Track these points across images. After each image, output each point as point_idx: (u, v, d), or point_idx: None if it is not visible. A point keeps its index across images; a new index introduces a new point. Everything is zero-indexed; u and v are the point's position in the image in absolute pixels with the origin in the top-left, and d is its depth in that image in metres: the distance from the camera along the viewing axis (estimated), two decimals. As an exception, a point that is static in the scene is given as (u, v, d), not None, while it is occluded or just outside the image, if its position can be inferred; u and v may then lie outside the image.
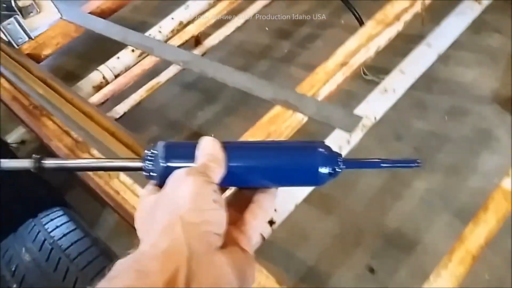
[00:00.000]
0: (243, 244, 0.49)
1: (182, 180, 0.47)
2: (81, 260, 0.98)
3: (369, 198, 1.74)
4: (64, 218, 1.10)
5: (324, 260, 1.63)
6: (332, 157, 0.53)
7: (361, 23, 1.86)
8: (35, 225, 1.10)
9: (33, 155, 0.52)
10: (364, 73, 2.00)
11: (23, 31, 1.68)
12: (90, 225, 1.84)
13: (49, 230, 1.06)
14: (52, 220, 1.10)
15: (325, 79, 1.34)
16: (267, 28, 2.45)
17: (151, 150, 0.52)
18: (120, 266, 0.42)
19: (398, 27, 1.45)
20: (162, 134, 2.08)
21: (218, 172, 0.50)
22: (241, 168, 0.52)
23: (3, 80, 1.60)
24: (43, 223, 1.09)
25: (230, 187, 0.59)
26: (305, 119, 1.29)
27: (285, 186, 0.55)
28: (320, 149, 0.53)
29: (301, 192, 1.28)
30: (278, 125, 1.28)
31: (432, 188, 1.73)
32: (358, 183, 1.78)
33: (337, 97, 1.41)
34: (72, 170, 0.55)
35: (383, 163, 0.56)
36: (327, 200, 1.74)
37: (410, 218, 1.68)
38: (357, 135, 1.36)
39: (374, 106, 1.46)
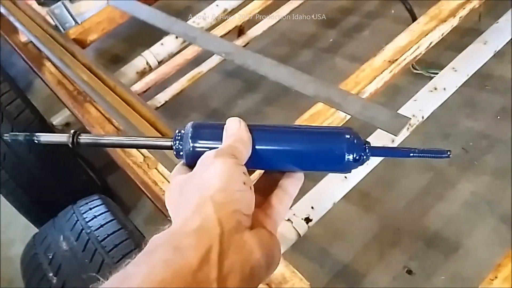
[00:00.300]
0: (269, 227, 0.50)
1: (211, 162, 0.48)
2: (116, 252, 0.99)
3: (410, 198, 1.69)
4: (102, 208, 1.11)
5: (360, 258, 1.60)
6: (359, 144, 0.53)
7: (413, 15, 1.78)
8: (74, 212, 1.12)
9: (73, 131, 0.55)
10: (413, 67, 1.92)
11: (70, 16, 1.70)
12: (129, 209, 1.90)
13: (87, 220, 1.07)
14: (90, 209, 1.11)
15: (372, 76, 1.29)
16: (312, 17, 2.39)
17: (181, 130, 0.53)
18: (157, 240, 0.43)
19: (452, 23, 1.37)
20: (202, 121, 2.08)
21: (244, 153, 0.51)
22: (266, 151, 0.53)
23: (49, 64, 1.63)
24: (82, 211, 1.11)
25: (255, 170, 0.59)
26: (348, 116, 1.25)
27: (310, 170, 0.55)
28: (348, 136, 0.53)
29: (340, 190, 1.25)
30: (319, 123, 1.25)
31: (478, 191, 1.65)
32: (399, 182, 1.73)
33: (381, 91, 1.35)
34: (106, 146, 0.60)
35: (412, 152, 0.54)
36: (366, 198, 1.69)
37: (453, 221, 1.61)
38: (403, 134, 1.32)
39: (422, 105, 1.40)
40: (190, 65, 1.72)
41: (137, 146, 0.58)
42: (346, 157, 0.52)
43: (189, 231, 0.43)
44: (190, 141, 0.52)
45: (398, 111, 1.27)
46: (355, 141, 0.53)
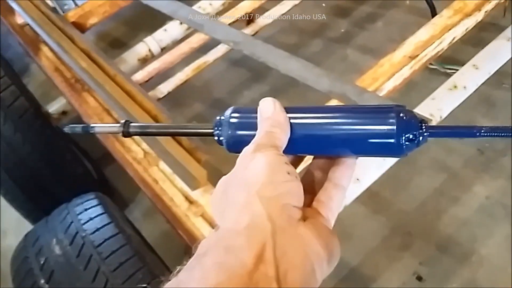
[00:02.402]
0: (323, 221, 0.47)
1: (250, 158, 0.45)
2: (113, 260, 0.91)
3: (422, 199, 1.61)
4: (98, 209, 1.04)
5: (368, 262, 1.53)
6: (413, 123, 0.46)
7: (431, 6, 1.68)
8: (68, 213, 1.04)
9: (121, 121, 0.54)
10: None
11: (70, -3, 1.61)
12: (126, 203, 1.82)
13: (82, 222, 1.00)
14: (86, 210, 1.03)
15: (391, 73, 1.20)
16: (324, 4, 2.29)
17: (221, 116, 0.51)
18: (206, 243, 0.41)
19: (477, 17, 1.28)
20: (206, 112, 2.00)
21: (283, 137, 0.47)
22: (306, 134, 0.48)
23: (46, 48, 1.54)
24: (77, 212, 1.03)
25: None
26: (364, 116, 1.16)
27: (357, 154, 0.49)
28: (402, 114, 0.46)
29: (351, 193, 1.17)
30: (334, 121, 1.16)
31: (494, 194, 1.58)
32: (411, 182, 1.65)
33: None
34: (153, 135, 0.62)
35: (478, 132, 0.46)
36: (375, 198, 1.62)
37: (467, 225, 1.54)
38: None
39: (441, 103, 1.32)
40: (195, 54, 1.63)
41: (181, 134, 0.61)
42: (398, 138, 0.45)
43: (239, 230, 0.40)
44: (228, 127, 0.50)
45: (415, 110, 1.20)
46: (409, 119, 0.46)
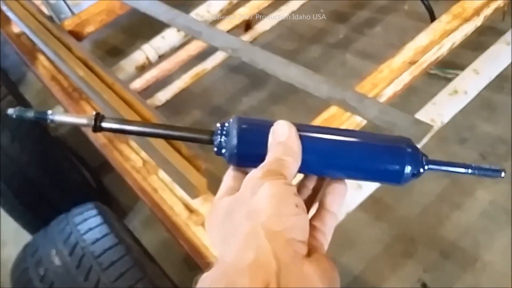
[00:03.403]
0: (321, 251, 0.46)
1: (258, 184, 0.43)
2: (113, 270, 0.90)
3: (424, 205, 1.60)
4: (98, 220, 1.02)
5: (371, 269, 1.51)
6: (417, 156, 0.49)
7: (430, 11, 1.68)
8: (67, 223, 1.03)
9: (94, 112, 0.49)
10: (427, 66, 1.83)
11: (66, 6, 1.60)
12: (125, 212, 1.81)
13: (82, 232, 0.98)
14: (85, 220, 1.02)
15: (391, 78, 1.19)
16: (322, 10, 2.29)
17: (225, 124, 0.48)
18: (209, 278, 0.40)
19: (476, 22, 1.28)
20: (205, 120, 1.99)
21: (294, 167, 0.46)
22: (316, 160, 0.48)
23: (42, 57, 1.53)
24: (76, 222, 1.02)
25: None
26: (364, 121, 1.16)
27: (362, 180, 0.52)
28: (408, 147, 0.49)
29: (353, 200, 1.16)
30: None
31: (497, 200, 1.57)
32: (413, 189, 1.64)
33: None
34: (132, 134, 0.51)
35: (469, 168, 0.51)
36: (378, 204, 1.60)
37: (470, 231, 1.53)
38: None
39: (442, 109, 1.31)
40: (193, 61, 1.62)
41: (168, 137, 0.51)
42: (406, 171, 0.48)
43: (243, 268, 0.39)
44: (236, 138, 0.47)
45: (416, 115, 1.19)
46: (416, 154, 0.49)
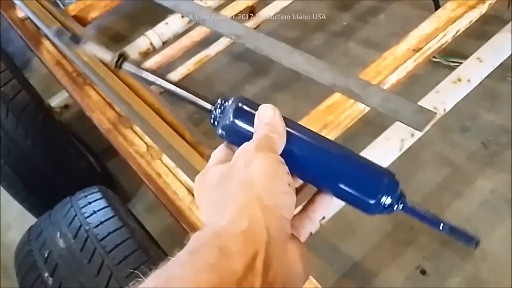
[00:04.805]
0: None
1: (253, 156, 0.44)
2: (117, 253, 0.91)
3: (425, 194, 1.61)
4: (102, 203, 1.03)
5: (372, 257, 1.52)
6: (395, 192, 0.47)
7: (436, 1, 1.67)
8: (71, 206, 1.04)
9: (119, 52, 0.52)
10: (431, 55, 1.83)
11: (71, -9, 1.60)
12: (129, 197, 1.82)
13: (86, 215, 0.99)
14: (89, 203, 1.03)
15: (394, 66, 1.19)
16: (325, -2, 2.29)
17: (225, 100, 0.51)
18: (201, 238, 0.40)
19: (481, 10, 1.27)
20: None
21: (279, 145, 0.47)
22: (298, 153, 0.48)
23: (47, 42, 1.53)
24: (80, 206, 1.03)
25: None
26: (367, 108, 1.16)
27: (333, 193, 0.49)
28: (390, 178, 0.48)
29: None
30: (337, 114, 1.15)
31: (497, 189, 1.57)
32: (414, 177, 1.65)
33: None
34: (147, 83, 0.54)
35: (443, 226, 0.50)
36: (379, 192, 1.61)
37: (470, 220, 1.54)
38: (422, 128, 1.23)
39: (444, 97, 1.31)
40: (196, 47, 1.62)
41: (177, 96, 0.53)
42: (380, 198, 0.46)
43: (236, 233, 0.40)
44: (231, 114, 0.49)
45: (419, 103, 1.19)
46: (395, 186, 0.48)
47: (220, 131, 0.50)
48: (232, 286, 0.36)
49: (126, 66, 0.51)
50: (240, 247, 0.38)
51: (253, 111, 0.49)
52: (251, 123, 0.48)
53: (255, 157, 0.44)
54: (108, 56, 0.51)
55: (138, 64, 0.52)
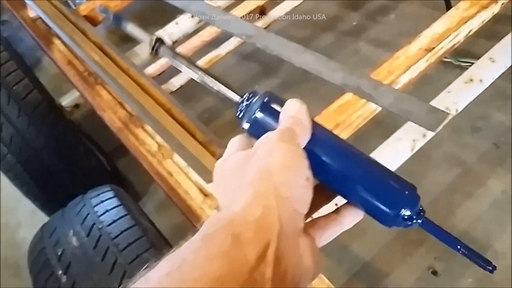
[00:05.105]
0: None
1: (274, 145, 0.44)
2: (130, 252, 0.91)
3: (435, 194, 1.60)
4: (114, 201, 1.04)
5: (382, 257, 1.52)
6: (416, 207, 0.48)
7: (447, 1, 1.67)
8: (84, 205, 1.04)
9: (156, 36, 0.53)
10: (442, 55, 1.82)
11: (82, -9, 1.61)
12: (140, 196, 1.83)
13: (99, 213, 1.00)
14: (102, 202, 1.03)
15: (406, 65, 1.19)
16: (335, -3, 2.28)
17: (252, 94, 0.51)
18: (215, 223, 0.40)
19: (494, 9, 1.27)
20: (218, 106, 1.99)
21: (303, 137, 0.46)
22: (322, 156, 0.47)
23: (58, 42, 1.54)
24: (93, 204, 1.03)
25: None
26: (379, 109, 1.16)
27: (351, 199, 0.49)
28: (411, 192, 0.47)
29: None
30: (348, 114, 1.15)
31: (509, 190, 1.56)
32: (425, 177, 1.64)
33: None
34: (179, 68, 0.55)
35: (460, 247, 0.50)
36: (389, 192, 1.60)
37: (481, 220, 1.53)
38: (433, 129, 1.23)
39: (457, 97, 1.30)
40: (207, 47, 1.62)
41: (207, 84, 0.55)
42: (402, 211, 0.46)
43: (249, 221, 0.39)
44: (258, 108, 0.49)
45: (431, 103, 1.18)
46: (416, 201, 0.48)
47: (245, 124, 0.50)
48: (243, 275, 0.36)
49: (162, 51, 0.53)
50: (252, 236, 0.38)
51: (279, 108, 0.49)
52: (277, 119, 0.48)
53: (276, 146, 0.44)
54: (146, 39, 0.53)
55: (173, 49, 0.54)
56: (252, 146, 0.48)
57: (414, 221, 0.48)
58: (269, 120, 0.48)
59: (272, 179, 0.42)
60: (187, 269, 0.36)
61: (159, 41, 0.52)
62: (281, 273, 0.38)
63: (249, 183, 0.42)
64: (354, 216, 0.50)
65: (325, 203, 0.50)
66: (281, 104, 0.49)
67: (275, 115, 0.48)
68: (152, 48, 0.52)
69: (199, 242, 0.38)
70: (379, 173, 0.48)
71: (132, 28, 0.55)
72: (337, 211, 0.49)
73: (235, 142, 0.50)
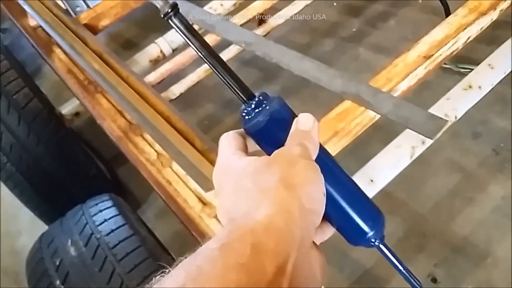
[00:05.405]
0: None
1: (296, 160, 0.44)
2: (128, 261, 0.91)
3: (436, 200, 1.60)
4: (113, 211, 1.04)
5: (382, 263, 1.49)
6: (381, 231, 0.52)
7: (445, 5, 1.67)
8: (83, 214, 1.05)
9: (173, 3, 0.46)
10: (441, 61, 1.82)
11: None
12: (139, 203, 1.83)
13: (97, 223, 1.00)
14: (100, 211, 1.04)
15: (405, 73, 1.18)
16: (335, 4, 2.28)
17: (262, 97, 0.49)
18: (235, 229, 0.39)
19: (493, 16, 1.27)
20: (218, 113, 2.00)
21: (314, 155, 0.47)
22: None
23: (58, 50, 1.55)
24: (91, 213, 1.03)
25: None
26: (378, 116, 1.15)
27: (329, 220, 0.50)
28: (382, 218, 0.52)
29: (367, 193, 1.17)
30: (347, 122, 1.15)
31: (510, 195, 1.56)
32: (425, 183, 1.64)
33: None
34: (189, 45, 0.49)
35: (401, 268, 0.57)
36: (389, 199, 1.60)
37: (482, 226, 1.52)
38: (433, 135, 1.23)
39: (456, 104, 1.31)
40: (207, 54, 1.63)
41: (217, 72, 0.50)
42: (369, 234, 0.51)
43: (271, 231, 0.38)
44: (268, 115, 0.47)
45: (429, 110, 1.18)
46: (382, 225, 0.52)
47: (250, 126, 0.48)
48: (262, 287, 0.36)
49: (176, 19, 0.47)
50: (273, 247, 0.37)
51: (288, 117, 0.48)
52: (284, 129, 0.47)
53: (298, 160, 0.44)
54: (160, 2, 0.46)
55: (187, 22, 0.48)
56: (248, 146, 0.49)
57: (378, 242, 0.52)
58: (277, 128, 0.48)
59: (296, 191, 0.41)
60: (203, 279, 0.35)
61: (174, 9, 0.46)
62: (296, 285, 0.38)
63: (271, 190, 0.41)
64: (329, 228, 0.51)
65: None
66: (292, 114, 0.49)
67: (284, 124, 0.48)
68: (165, 15, 0.46)
69: (217, 251, 0.37)
70: (362, 196, 0.51)
71: None
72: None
73: (231, 141, 0.49)
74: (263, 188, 0.42)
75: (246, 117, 0.49)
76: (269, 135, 0.48)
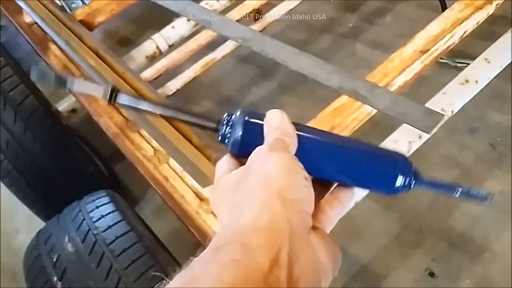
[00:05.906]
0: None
1: (267, 157, 0.45)
2: (125, 257, 0.91)
3: (433, 195, 1.59)
4: (110, 207, 1.03)
5: (380, 259, 1.52)
6: (411, 170, 0.51)
7: (442, 2, 1.66)
8: (80, 210, 1.04)
9: (112, 85, 0.49)
10: (438, 56, 1.82)
11: (77, -4, 1.61)
12: (137, 200, 1.82)
13: (94, 219, 0.99)
14: (97, 207, 1.03)
15: (402, 68, 1.19)
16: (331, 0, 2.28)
17: (231, 115, 0.50)
18: (224, 236, 0.40)
19: (489, 10, 1.27)
20: (214, 109, 1.99)
21: (292, 146, 0.47)
22: (312, 154, 0.49)
23: (54, 47, 1.54)
24: (88, 210, 1.03)
25: None
26: (374, 111, 1.15)
27: (356, 185, 0.52)
28: (403, 159, 0.52)
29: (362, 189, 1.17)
30: (344, 117, 1.15)
31: (506, 190, 1.56)
32: (423, 179, 1.63)
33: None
34: (145, 113, 0.52)
35: (458, 190, 0.53)
36: (387, 194, 1.60)
37: (479, 221, 1.53)
38: (429, 130, 1.23)
39: (452, 98, 1.31)
40: (203, 51, 1.62)
41: (179, 120, 0.52)
42: (398, 178, 0.50)
43: (258, 228, 0.40)
44: (240, 129, 0.49)
45: (426, 105, 1.18)
46: (409, 165, 0.52)
47: (231, 147, 0.50)
48: (258, 281, 0.36)
49: (121, 98, 0.49)
50: (262, 242, 0.38)
51: (261, 122, 0.49)
52: (261, 134, 0.48)
53: (269, 156, 0.45)
54: (99, 91, 0.48)
55: (133, 95, 0.50)
56: (241, 164, 0.49)
57: (414, 182, 0.51)
58: (254, 137, 0.49)
59: (274, 185, 0.42)
60: (198, 281, 0.36)
61: (114, 90, 0.48)
62: (296, 275, 0.38)
63: (251, 194, 0.43)
64: (350, 195, 0.52)
65: (324, 194, 0.51)
66: (261, 118, 0.49)
67: (259, 130, 0.49)
68: (109, 99, 0.48)
69: (209, 255, 0.38)
70: (371, 153, 0.51)
71: (81, 85, 0.50)
72: (334, 195, 0.51)
73: (223, 164, 0.51)
74: (246, 193, 0.43)
75: (225, 141, 0.50)
76: (250, 145, 0.48)
